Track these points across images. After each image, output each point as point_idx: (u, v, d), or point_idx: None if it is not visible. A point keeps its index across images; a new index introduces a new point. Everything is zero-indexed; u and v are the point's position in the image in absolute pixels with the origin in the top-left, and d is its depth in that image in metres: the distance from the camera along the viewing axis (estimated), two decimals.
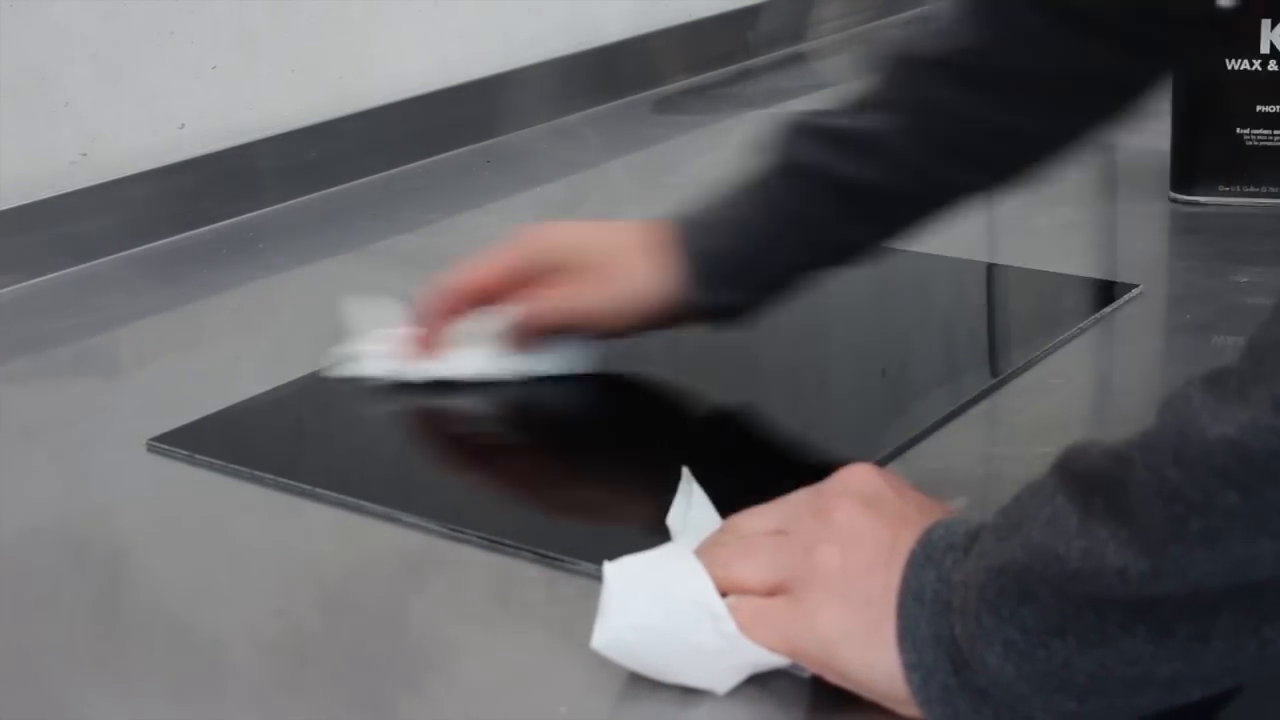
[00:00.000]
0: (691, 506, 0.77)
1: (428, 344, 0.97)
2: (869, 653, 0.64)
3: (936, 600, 0.63)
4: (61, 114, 1.25)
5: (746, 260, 0.92)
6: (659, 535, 0.80)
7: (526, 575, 0.78)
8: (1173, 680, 0.59)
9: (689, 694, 0.68)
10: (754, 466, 0.89)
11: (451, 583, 0.79)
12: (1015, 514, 0.62)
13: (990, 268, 1.17)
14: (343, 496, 0.85)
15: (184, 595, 0.78)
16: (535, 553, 0.78)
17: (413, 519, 0.83)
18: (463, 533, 0.81)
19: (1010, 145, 0.90)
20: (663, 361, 1.04)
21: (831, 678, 0.66)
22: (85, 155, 1.27)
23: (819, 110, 0.93)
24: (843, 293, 1.16)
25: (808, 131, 0.92)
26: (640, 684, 0.69)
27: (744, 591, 0.68)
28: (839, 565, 0.66)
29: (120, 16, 1.27)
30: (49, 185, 1.23)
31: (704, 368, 1.02)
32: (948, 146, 0.89)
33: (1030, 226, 1.26)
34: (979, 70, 0.88)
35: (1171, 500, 0.55)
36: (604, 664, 0.70)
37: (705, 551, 0.71)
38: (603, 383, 1.01)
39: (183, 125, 1.33)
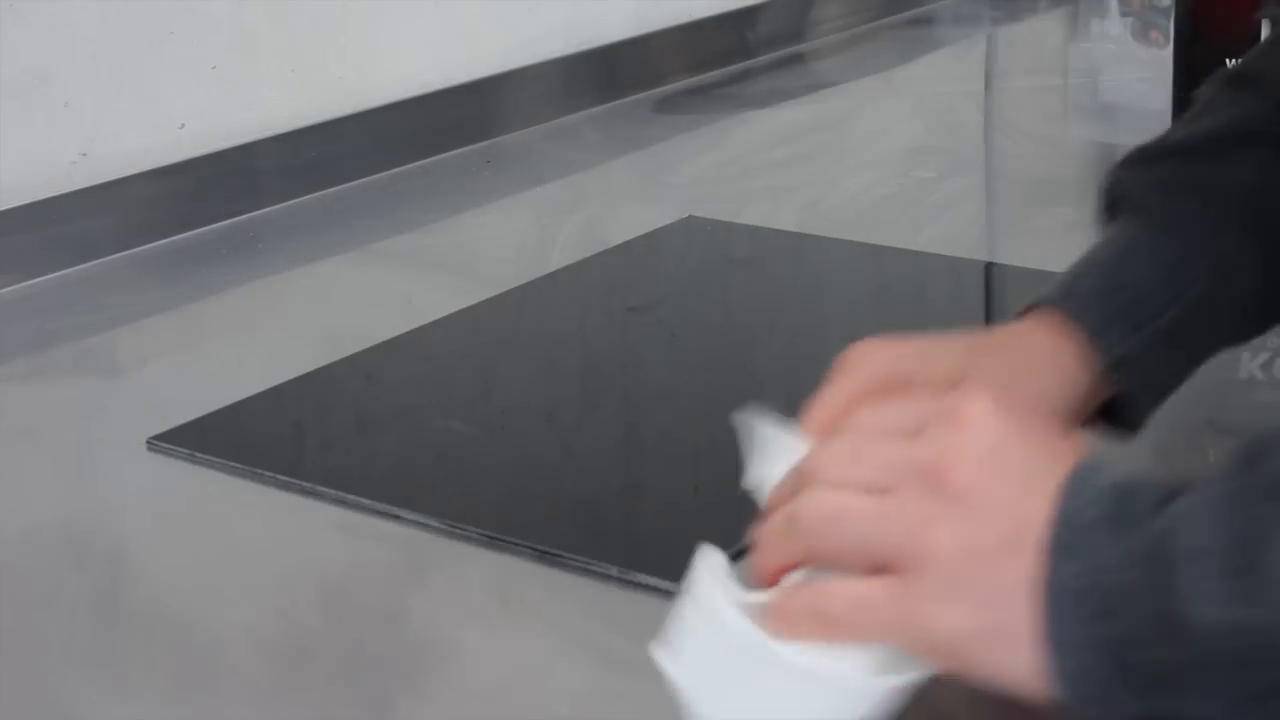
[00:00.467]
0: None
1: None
2: (1001, 653, 0.56)
3: (1082, 600, 0.54)
4: (61, 114, 1.25)
5: (1151, 299, 0.75)
6: (659, 533, 0.80)
7: (527, 573, 0.78)
8: None
9: None
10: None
11: (451, 581, 0.79)
12: (1236, 532, 0.52)
13: (989, 267, 1.17)
14: (343, 495, 0.85)
15: (184, 594, 0.78)
16: (536, 549, 0.79)
17: (413, 517, 0.83)
18: (463, 529, 0.81)
19: None
20: (663, 362, 1.04)
21: (950, 668, 0.58)
22: (85, 155, 1.27)
23: (1156, 140, 0.81)
24: (842, 292, 1.17)
25: (1150, 156, 0.80)
26: (639, 684, 0.69)
27: (839, 567, 0.59)
28: (958, 551, 0.56)
29: (120, 16, 1.27)
30: (49, 185, 1.23)
31: (704, 368, 1.02)
32: None
33: (1030, 226, 1.26)
34: None
35: None
36: (604, 664, 0.70)
37: (787, 512, 0.61)
38: (606, 385, 1.01)
39: (183, 125, 1.33)
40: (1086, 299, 0.74)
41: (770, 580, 0.61)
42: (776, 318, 1.11)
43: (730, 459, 0.89)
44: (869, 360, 0.71)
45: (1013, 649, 0.55)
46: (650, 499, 0.85)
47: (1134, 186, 0.79)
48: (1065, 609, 0.54)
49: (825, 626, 0.58)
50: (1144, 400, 0.75)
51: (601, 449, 0.92)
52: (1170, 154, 0.79)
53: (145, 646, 0.75)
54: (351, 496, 0.85)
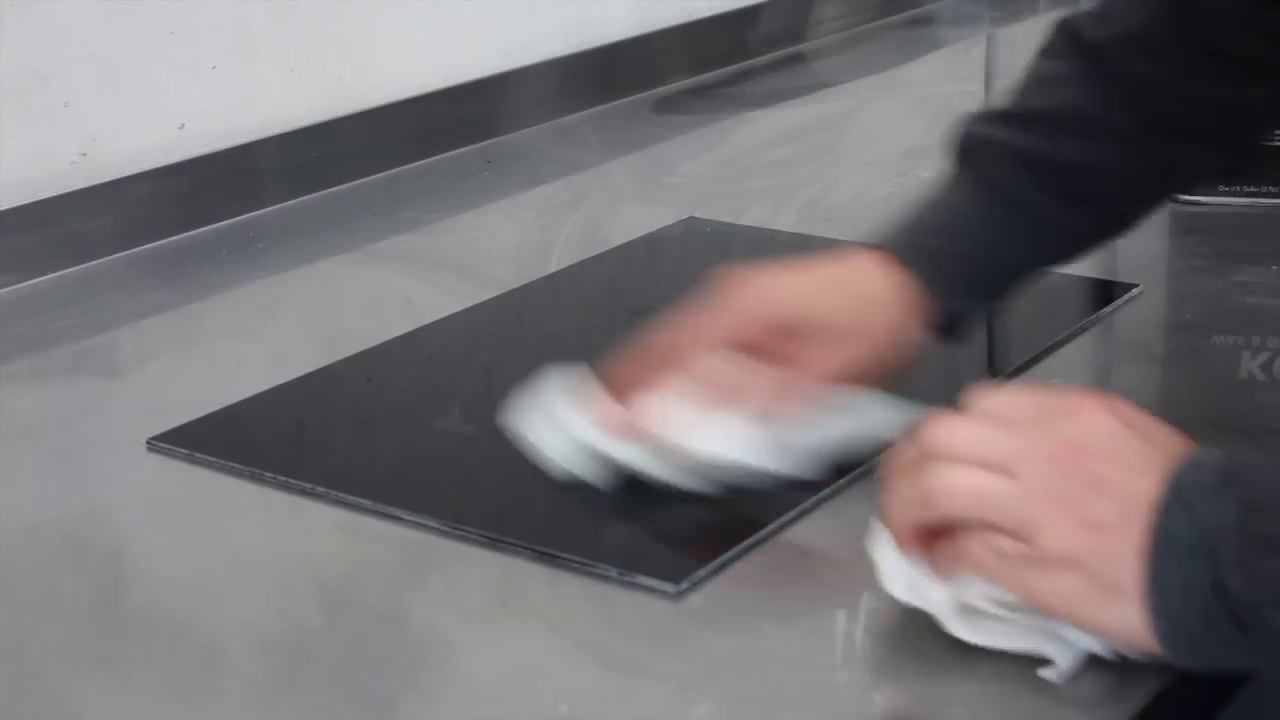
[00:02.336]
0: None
1: (628, 423, 0.83)
2: (1103, 609, 0.64)
3: (1190, 548, 0.62)
4: (61, 114, 1.25)
5: (979, 264, 0.88)
6: (659, 535, 0.80)
7: (527, 573, 0.78)
8: None
9: (689, 693, 0.68)
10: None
11: (451, 582, 0.79)
12: None
13: None
14: (343, 495, 0.85)
15: (184, 594, 0.78)
16: (536, 550, 0.79)
17: (413, 517, 0.83)
18: (463, 530, 0.81)
19: (1218, 117, 0.89)
20: None
21: (1070, 623, 0.66)
22: (85, 155, 1.27)
23: (1009, 100, 0.91)
24: None
25: (1006, 120, 0.90)
26: (640, 684, 0.69)
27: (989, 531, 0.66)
28: (1080, 525, 0.64)
29: (120, 16, 1.27)
30: (49, 185, 1.23)
31: None
32: (1159, 119, 0.88)
33: None
34: (1169, 45, 0.88)
35: None
36: (604, 664, 0.70)
37: (925, 488, 0.68)
38: None
39: (183, 125, 1.33)
40: (945, 274, 0.87)
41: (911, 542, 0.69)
42: None
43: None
44: (756, 299, 0.84)
45: (1118, 603, 0.63)
46: (650, 500, 0.85)
47: (991, 152, 0.89)
48: (1168, 557, 0.62)
49: (966, 565, 0.67)
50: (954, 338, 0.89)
51: None
52: (1028, 124, 0.89)
53: (145, 647, 0.75)
54: (351, 497, 0.85)
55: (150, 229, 1.28)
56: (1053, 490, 0.65)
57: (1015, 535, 0.65)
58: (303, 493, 0.86)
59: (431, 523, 0.82)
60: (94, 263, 1.24)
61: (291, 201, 1.37)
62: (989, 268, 0.89)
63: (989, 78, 1.82)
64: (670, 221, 1.28)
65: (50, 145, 1.25)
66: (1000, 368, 0.99)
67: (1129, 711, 0.66)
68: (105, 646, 0.75)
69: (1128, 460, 0.65)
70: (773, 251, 1.23)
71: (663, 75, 1.73)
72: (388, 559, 0.81)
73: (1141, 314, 1.07)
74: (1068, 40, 0.91)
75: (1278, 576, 0.60)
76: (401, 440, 0.93)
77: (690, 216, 1.30)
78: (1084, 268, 1.15)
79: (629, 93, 1.68)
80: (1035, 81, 0.91)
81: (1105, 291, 1.09)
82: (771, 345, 0.83)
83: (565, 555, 0.78)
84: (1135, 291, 1.09)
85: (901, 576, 0.69)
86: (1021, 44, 1.97)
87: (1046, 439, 0.66)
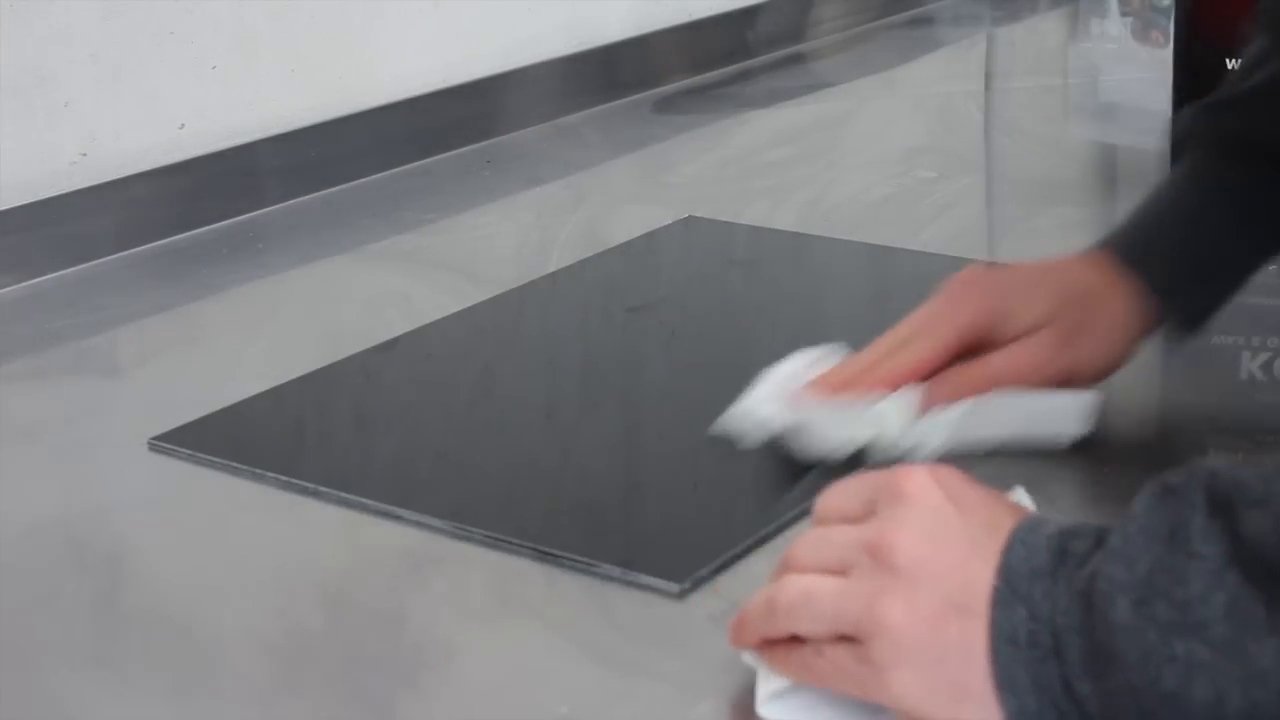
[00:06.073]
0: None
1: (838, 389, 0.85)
2: (954, 709, 0.60)
3: (1034, 643, 0.58)
4: (61, 114, 1.25)
5: (1206, 260, 0.87)
6: (659, 533, 0.80)
7: (527, 573, 0.78)
8: None
9: (688, 693, 0.68)
10: (757, 463, 0.89)
11: (452, 581, 0.79)
12: (1156, 569, 0.56)
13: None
14: (344, 495, 0.85)
15: (184, 594, 0.78)
16: (536, 550, 0.79)
17: (413, 516, 0.83)
18: (464, 530, 0.81)
19: None
20: (663, 362, 1.04)
21: None
22: (85, 155, 1.27)
23: (1223, 90, 0.91)
24: (842, 292, 1.17)
25: (1217, 108, 0.89)
26: (640, 685, 0.69)
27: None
28: (906, 621, 0.60)
29: (120, 16, 1.27)
30: (49, 185, 1.23)
31: (704, 367, 1.02)
32: None
33: (1030, 226, 1.26)
34: None
35: None
36: (604, 664, 0.70)
37: (767, 596, 0.66)
38: (606, 385, 1.01)
39: (183, 125, 1.33)
40: (1161, 266, 0.86)
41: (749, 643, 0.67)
42: (776, 318, 1.11)
43: (730, 460, 0.89)
44: (963, 302, 0.86)
45: (963, 704, 0.59)
46: (650, 499, 0.85)
47: (1202, 141, 0.89)
48: (1012, 655, 0.58)
49: (809, 677, 0.64)
50: (1192, 333, 0.89)
51: (602, 449, 0.92)
52: (1241, 107, 0.89)
53: (145, 646, 0.75)
54: (352, 496, 0.85)
55: (150, 229, 1.28)
56: (876, 584, 0.61)
57: (856, 635, 0.61)
58: (303, 492, 0.86)
59: (432, 522, 0.82)
60: (94, 263, 1.24)
61: (291, 201, 1.37)
62: (1210, 259, 0.87)
63: (989, 78, 1.82)
64: (670, 221, 1.28)
65: (50, 145, 1.25)
66: None
67: None
68: (105, 646, 0.75)
69: (955, 542, 0.61)
70: (772, 251, 1.23)
71: (663, 75, 1.73)
72: (388, 559, 0.81)
73: None
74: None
75: (1122, 692, 0.56)
76: (401, 440, 0.93)
77: (690, 216, 1.30)
78: None
79: (629, 93, 1.69)
80: (1242, 68, 0.91)
81: None
82: (990, 339, 0.85)
83: (566, 555, 0.78)
84: None
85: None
86: (1021, 44, 1.97)
87: (870, 529, 0.63)
